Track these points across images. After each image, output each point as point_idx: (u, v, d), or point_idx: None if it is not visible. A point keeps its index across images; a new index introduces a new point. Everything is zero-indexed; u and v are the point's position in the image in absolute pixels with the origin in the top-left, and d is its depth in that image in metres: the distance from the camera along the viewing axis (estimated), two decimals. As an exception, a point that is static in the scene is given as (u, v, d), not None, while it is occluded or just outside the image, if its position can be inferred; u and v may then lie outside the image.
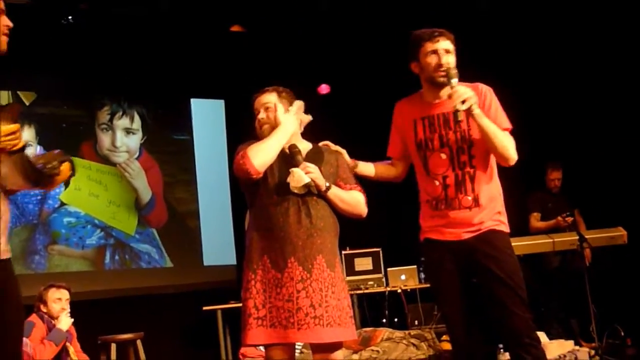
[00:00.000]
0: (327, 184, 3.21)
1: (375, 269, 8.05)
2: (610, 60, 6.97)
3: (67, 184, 7.86)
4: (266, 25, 8.10)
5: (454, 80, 3.13)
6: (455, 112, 3.06)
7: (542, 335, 3.14)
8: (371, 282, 7.95)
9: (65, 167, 2.55)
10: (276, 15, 7.85)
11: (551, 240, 6.09)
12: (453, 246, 3.20)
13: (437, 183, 3.24)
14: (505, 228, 3.25)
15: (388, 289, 7.85)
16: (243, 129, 8.16)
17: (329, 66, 8.73)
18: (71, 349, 4.92)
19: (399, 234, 8.52)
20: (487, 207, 3.18)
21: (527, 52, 7.06)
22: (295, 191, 3.17)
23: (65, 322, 4.91)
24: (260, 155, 3.18)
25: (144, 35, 7.79)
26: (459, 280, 3.19)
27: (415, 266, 8.08)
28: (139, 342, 6.46)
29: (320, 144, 3.45)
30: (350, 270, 8.00)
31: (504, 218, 3.25)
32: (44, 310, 4.92)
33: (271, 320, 3.10)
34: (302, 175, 3.16)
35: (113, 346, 6.25)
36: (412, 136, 3.33)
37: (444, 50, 3.23)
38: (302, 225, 3.16)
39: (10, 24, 2.49)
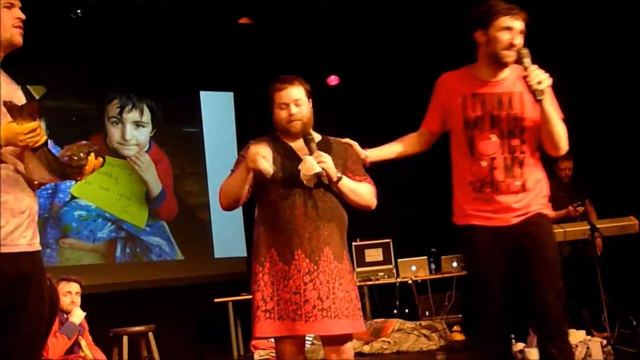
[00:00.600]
0: (339, 175, 3.17)
1: (386, 260, 8.05)
2: (621, 48, 6.93)
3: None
4: (274, 16, 8.08)
5: (528, 60, 2.98)
6: (534, 91, 2.92)
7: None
8: (381, 273, 7.96)
9: (92, 157, 2.55)
10: (284, 7, 7.84)
11: (562, 229, 6.06)
12: (502, 231, 3.06)
13: (484, 164, 3.08)
14: (550, 213, 3.20)
15: (399, 280, 7.86)
16: (252, 121, 8.20)
17: (338, 57, 8.71)
18: (83, 343, 4.94)
19: (409, 224, 8.51)
20: (534, 190, 3.09)
21: (533, 39, 7.01)
22: (305, 181, 3.12)
23: (78, 315, 4.93)
24: (226, 197, 3.28)
25: (153, 29, 7.78)
26: (505, 270, 3.05)
27: (425, 257, 8.08)
28: (150, 335, 6.48)
29: (343, 140, 3.40)
30: (361, 261, 8.01)
31: (548, 203, 3.18)
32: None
33: (279, 312, 3.09)
34: (313, 164, 3.10)
35: (125, 339, 6.27)
36: (459, 113, 3.14)
37: (518, 30, 3.04)
38: (309, 217, 3.13)
39: (23, 17, 2.49)
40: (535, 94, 2.93)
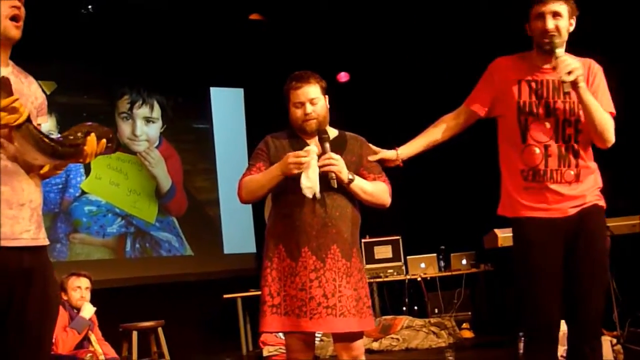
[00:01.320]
0: (350, 176, 3.15)
1: (395, 257, 8.05)
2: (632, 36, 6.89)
3: (87, 172, 7.92)
4: (285, 13, 8.07)
5: (559, 50, 2.94)
6: (562, 82, 2.89)
7: (563, 324, 3.04)
8: (391, 270, 7.95)
9: (91, 137, 2.32)
10: (295, 3, 7.83)
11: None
12: (559, 223, 2.96)
13: (537, 151, 3.00)
14: (604, 205, 3.11)
15: (408, 277, 7.85)
16: (262, 117, 8.19)
17: (349, 54, 8.70)
18: (93, 337, 4.95)
19: (419, 221, 8.50)
20: (588, 181, 3.02)
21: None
22: (304, 191, 3.07)
23: (88, 310, 4.94)
24: (250, 193, 3.21)
25: (164, 24, 7.79)
26: (562, 265, 2.94)
27: (435, 254, 8.07)
28: (160, 330, 6.50)
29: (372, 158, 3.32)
30: (370, 258, 8.00)
31: (601, 194, 3.11)
32: (65, 298, 4.95)
33: (285, 308, 3.10)
34: (309, 182, 3.06)
35: (134, 334, 6.29)
36: (514, 97, 3.05)
37: (551, 14, 2.96)
38: (317, 214, 3.13)
39: (18, 4, 2.27)
40: (564, 86, 2.89)
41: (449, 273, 7.94)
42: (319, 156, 3.11)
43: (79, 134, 2.30)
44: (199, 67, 8.53)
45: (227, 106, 9.14)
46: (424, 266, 7.98)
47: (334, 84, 9.04)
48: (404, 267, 8.00)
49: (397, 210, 9.28)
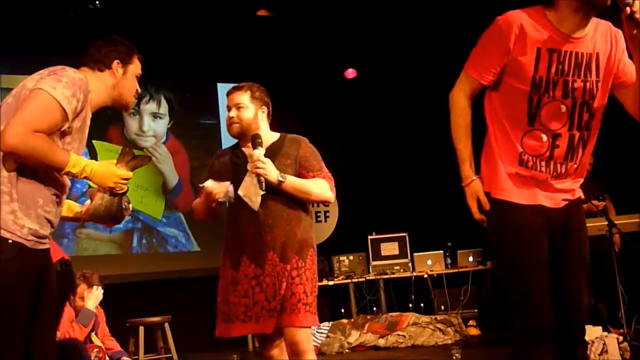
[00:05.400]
0: (281, 178, 3.22)
1: (402, 254, 8.04)
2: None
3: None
4: (293, 9, 8.07)
5: None
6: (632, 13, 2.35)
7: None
8: (397, 267, 7.94)
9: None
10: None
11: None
12: (550, 213, 2.58)
13: (544, 138, 2.55)
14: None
15: (414, 274, 7.84)
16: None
17: (356, 50, 8.69)
18: (94, 337, 4.95)
19: (426, 218, 8.49)
20: (581, 173, 2.68)
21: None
22: (248, 201, 3.26)
23: (92, 300, 4.94)
24: (199, 217, 3.55)
25: (171, 20, 7.80)
26: (549, 255, 2.56)
27: (441, 251, 8.06)
28: (166, 325, 6.51)
29: None
30: (377, 255, 8.00)
31: None
32: (72, 297, 4.96)
33: (234, 315, 3.27)
34: (247, 187, 3.25)
35: (141, 329, 6.30)
36: (530, 68, 2.50)
37: None
38: (251, 224, 3.25)
39: (139, 91, 2.86)
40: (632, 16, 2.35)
41: (456, 270, 7.93)
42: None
43: (125, 203, 2.74)
44: (206, 63, 8.52)
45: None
46: (430, 263, 7.97)
47: (341, 80, 9.03)
48: (410, 264, 7.99)
49: (404, 207, 9.31)
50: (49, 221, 2.52)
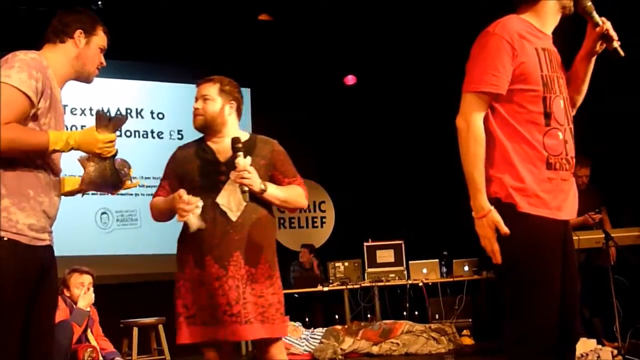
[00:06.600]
0: (263, 186, 3.12)
1: (397, 262, 8.03)
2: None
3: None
4: (294, 14, 8.08)
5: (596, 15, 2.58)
6: (615, 49, 2.56)
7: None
8: (392, 275, 7.94)
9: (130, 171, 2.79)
10: (304, 4, 7.83)
11: (576, 237, 5.99)
12: (562, 227, 2.54)
13: (560, 136, 2.53)
14: None
15: (409, 282, 7.84)
16: (269, 117, 8.18)
17: (356, 56, 8.70)
18: (90, 336, 4.94)
19: (422, 227, 8.49)
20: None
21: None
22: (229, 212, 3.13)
23: (85, 300, 4.93)
24: (156, 217, 3.30)
25: (171, 23, 7.81)
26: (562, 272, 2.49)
27: (437, 260, 8.06)
28: (160, 327, 6.49)
29: None
30: (372, 262, 7.99)
31: None
32: (67, 294, 4.96)
33: (201, 318, 3.10)
34: (225, 198, 3.12)
35: (135, 330, 6.29)
36: (537, 69, 2.51)
37: None
38: (217, 222, 3.10)
39: (104, 63, 2.82)
40: (617, 51, 2.57)
41: (451, 279, 7.92)
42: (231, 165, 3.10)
43: (125, 169, 2.75)
44: (206, 66, 8.52)
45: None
46: (426, 271, 7.97)
47: (341, 87, 9.04)
48: (405, 272, 7.99)
49: (401, 215, 9.29)
50: (45, 212, 2.48)
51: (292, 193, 3.27)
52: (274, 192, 3.18)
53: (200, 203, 3.04)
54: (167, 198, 3.18)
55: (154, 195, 3.29)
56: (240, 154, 3.10)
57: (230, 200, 3.12)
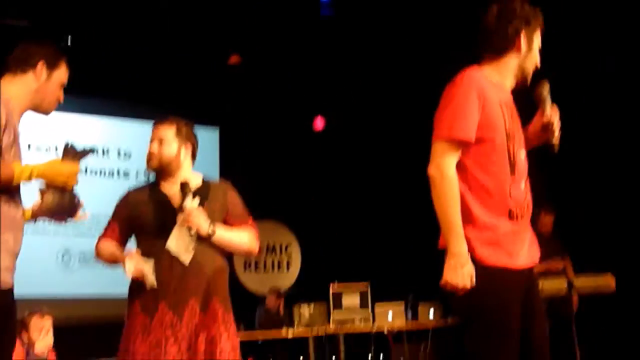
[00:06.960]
0: (210, 231, 3.10)
1: (363, 303, 7.94)
2: (604, 105, 6.99)
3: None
4: (263, 54, 8.13)
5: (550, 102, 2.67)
6: (553, 144, 2.63)
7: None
8: (358, 318, 7.83)
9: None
10: (274, 45, 7.89)
11: (540, 285, 6.01)
12: (524, 276, 2.54)
13: (522, 187, 2.55)
14: None
15: (374, 330, 7.72)
16: (237, 156, 8.15)
17: (325, 97, 8.77)
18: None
19: (388, 266, 8.48)
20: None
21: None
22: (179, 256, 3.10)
23: (43, 342, 4.82)
24: (105, 262, 3.24)
25: (141, 62, 7.81)
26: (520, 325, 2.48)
27: (402, 302, 7.98)
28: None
29: None
30: (337, 304, 7.91)
31: None
32: (25, 337, 4.84)
33: None
34: (175, 242, 3.09)
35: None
36: (502, 123, 2.52)
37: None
38: (174, 269, 3.07)
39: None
40: (555, 147, 2.64)
41: (415, 327, 7.83)
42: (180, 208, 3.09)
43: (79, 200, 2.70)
44: (175, 105, 8.50)
45: (201, 145, 9.03)
46: (391, 316, 7.87)
47: (309, 129, 9.08)
48: (371, 315, 7.90)
49: (367, 255, 9.24)
50: (8, 251, 2.41)
51: (242, 237, 3.25)
52: (222, 236, 3.15)
53: (151, 262, 3.02)
54: (116, 253, 3.14)
55: (102, 235, 3.24)
56: (189, 196, 3.08)
57: (179, 244, 3.08)
